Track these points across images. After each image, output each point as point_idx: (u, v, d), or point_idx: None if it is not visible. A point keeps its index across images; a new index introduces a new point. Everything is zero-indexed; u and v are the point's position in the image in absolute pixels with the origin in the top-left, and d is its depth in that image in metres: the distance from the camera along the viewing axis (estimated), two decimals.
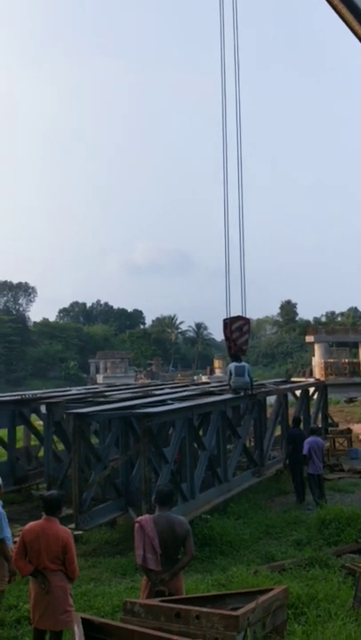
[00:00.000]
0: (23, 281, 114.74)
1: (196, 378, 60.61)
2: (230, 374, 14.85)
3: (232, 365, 14.88)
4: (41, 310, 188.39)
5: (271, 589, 5.33)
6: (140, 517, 6.39)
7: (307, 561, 9.46)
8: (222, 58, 15.10)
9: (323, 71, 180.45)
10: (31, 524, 6.14)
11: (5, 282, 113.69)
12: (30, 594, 6.08)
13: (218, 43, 14.71)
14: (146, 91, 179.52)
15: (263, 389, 16.40)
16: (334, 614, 6.82)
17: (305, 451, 13.77)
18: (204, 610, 4.88)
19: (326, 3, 12.33)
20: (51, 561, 5.91)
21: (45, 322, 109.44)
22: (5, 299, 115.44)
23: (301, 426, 16.04)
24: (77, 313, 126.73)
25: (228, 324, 14.97)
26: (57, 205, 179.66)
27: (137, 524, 6.17)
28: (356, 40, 10.00)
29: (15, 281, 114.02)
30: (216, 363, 74.59)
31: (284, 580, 8.46)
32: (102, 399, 14.46)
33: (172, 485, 9.20)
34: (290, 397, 19.07)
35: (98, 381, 70.33)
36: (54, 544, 5.91)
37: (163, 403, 13.03)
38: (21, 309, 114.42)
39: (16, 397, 16.57)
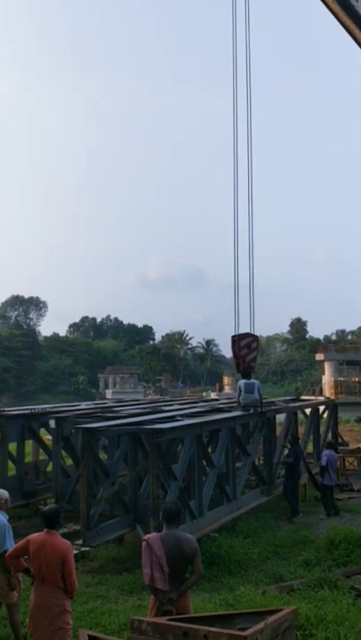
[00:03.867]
0: (34, 295, 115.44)
1: (205, 394, 60.46)
2: (240, 391, 14.81)
3: (242, 382, 14.85)
4: (51, 325, 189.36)
5: (280, 610, 5.27)
6: (147, 535, 6.33)
7: (316, 582, 9.35)
8: (234, 77, 15.29)
9: (335, 89, 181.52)
10: (35, 535, 6.25)
11: (17, 296, 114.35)
12: (30, 604, 6.16)
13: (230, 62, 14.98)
14: (160, 107, 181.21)
15: (273, 407, 16.33)
16: (344, 636, 6.74)
17: (323, 462, 14.51)
18: (213, 629, 4.83)
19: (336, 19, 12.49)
20: (51, 573, 5.99)
21: (55, 336, 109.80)
22: (16, 313, 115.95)
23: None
24: (87, 328, 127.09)
25: (237, 340, 14.95)
26: (70, 220, 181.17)
27: (144, 543, 6.12)
28: None
29: (26, 295, 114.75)
30: (225, 379, 74.47)
31: (293, 600, 8.36)
32: (111, 414, 14.45)
33: (179, 503, 9.14)
34: (299, 416, 18.97)
35: (107, 396, 70.38)
36: (53, 556, 6.01)
37: (172, 419, 13.00)
38: (32, 324, 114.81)
39: (25, 411, 16.57)
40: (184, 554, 6.01)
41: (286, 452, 15.56)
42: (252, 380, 14.84)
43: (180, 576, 6.06)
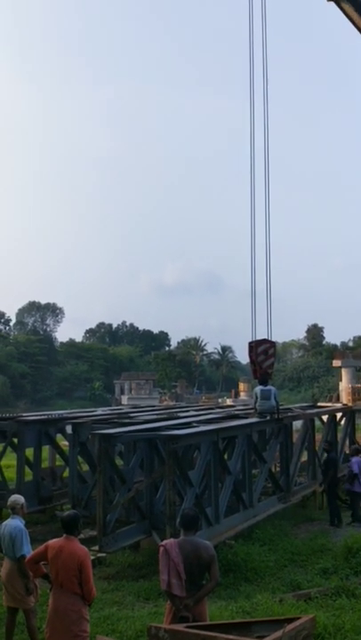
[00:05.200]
0: (51, 301, 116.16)
1: (220, 401, 60.33)
2: (256, 398, 14.76)
3: (258, 389, 14.80)
4: (68, 330, 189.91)
5: (298, 618, 5.24)
6: (164, 541, 6.31)
7: (333, 590, 9.28)
8: (251, 81, 15.34)
9: (352, 92, 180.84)
10: (54, 540, 6.26)
11: (34, 302, 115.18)
12: (48, 609, 6.17)
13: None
14: (176, 112, 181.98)
15: (289, 414, 16.25)
16: None
17: (355, 469, 14.65)
18: (230, 637, 4.82)
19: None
20: (68, 579, 5.99)
21: (72, 342, 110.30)
22: (33, 319, 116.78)
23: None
24: (103, 334, 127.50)
25: (254, 346, 14.92)
26: (87, 226, 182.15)
27: (162, 549, 6.10)
28: None
29: (43, 301, 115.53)
30: (241, 386, 74.15)
31: (310, 609, 8.30)
32: (127, 420, 14.48)
33: (197, 509, 9.12)
34: (316, 422, 18.85)
35: (122, 402, 70.42)
36: (70, 562, 6.00)
37: (188, 425, 12.99)
38: (49, 329, 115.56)
39: (42, 417, 16.67)
40: (201, 560, 6.00)
41: (325, 456, 15.59)
42: (269, 387, 14.77)
43: (197, 583, 6.05)
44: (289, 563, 11.41)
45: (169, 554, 5.98)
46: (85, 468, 15.59)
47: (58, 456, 16.98)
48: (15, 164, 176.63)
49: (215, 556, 6.12)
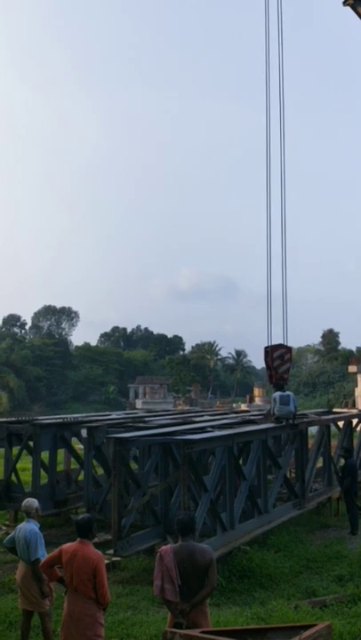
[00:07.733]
0: (66, 305, 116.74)
1: (235, 405, 60.14)
2: (275, 403, 14.70)
3: (277, 394, 14.74)
4: (83, 334, 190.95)
5: (314, 625, 5.20)
6: (162, 547, 6.35)
7: (349, 597, 9.22)
8: (267, 91, 15.36)
9: None
10: (68, 544, 6.26)
11: (49, 306, 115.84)
12: (63, 613, 6.19)
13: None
14: (191, 119, 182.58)
15: (305, 419, 16.16)
16: None
17: None
18: None
19: None
20: (82, 583, 6.00)
21: (86, 346, 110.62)
22: (49, 322, 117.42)
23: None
24: (118, 338, 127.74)
25: (270, 351, 14.87)
26: (102, 231, 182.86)
27: (158, 554, 6.15)
28: None
29: (58, 305, 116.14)
30: (256, 391, 73.88)
31: (326, 616, 8.25)
32: (142, 425, 14.48)
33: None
34: (332, 429, 18.73)
35: (137, 406, 70.48)
36: (85, 566, 6.02)
37: (203, 430, 12.97)
38: (64, 333, 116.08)
39: (58, 420, 16.73)
40: (197, 565, 5.96)
41: (342, 462, 15.47)
42: (288, 392, 14.73)
43: (193, 588, 5.99)
44: (304, 569, 11.35)
45: (163, 559, 6.00)
46: (100, 471, 15.62)
47: (73, 459, 17.03)
48: (36, 168, 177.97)
49: (213, 561, 6.06)
